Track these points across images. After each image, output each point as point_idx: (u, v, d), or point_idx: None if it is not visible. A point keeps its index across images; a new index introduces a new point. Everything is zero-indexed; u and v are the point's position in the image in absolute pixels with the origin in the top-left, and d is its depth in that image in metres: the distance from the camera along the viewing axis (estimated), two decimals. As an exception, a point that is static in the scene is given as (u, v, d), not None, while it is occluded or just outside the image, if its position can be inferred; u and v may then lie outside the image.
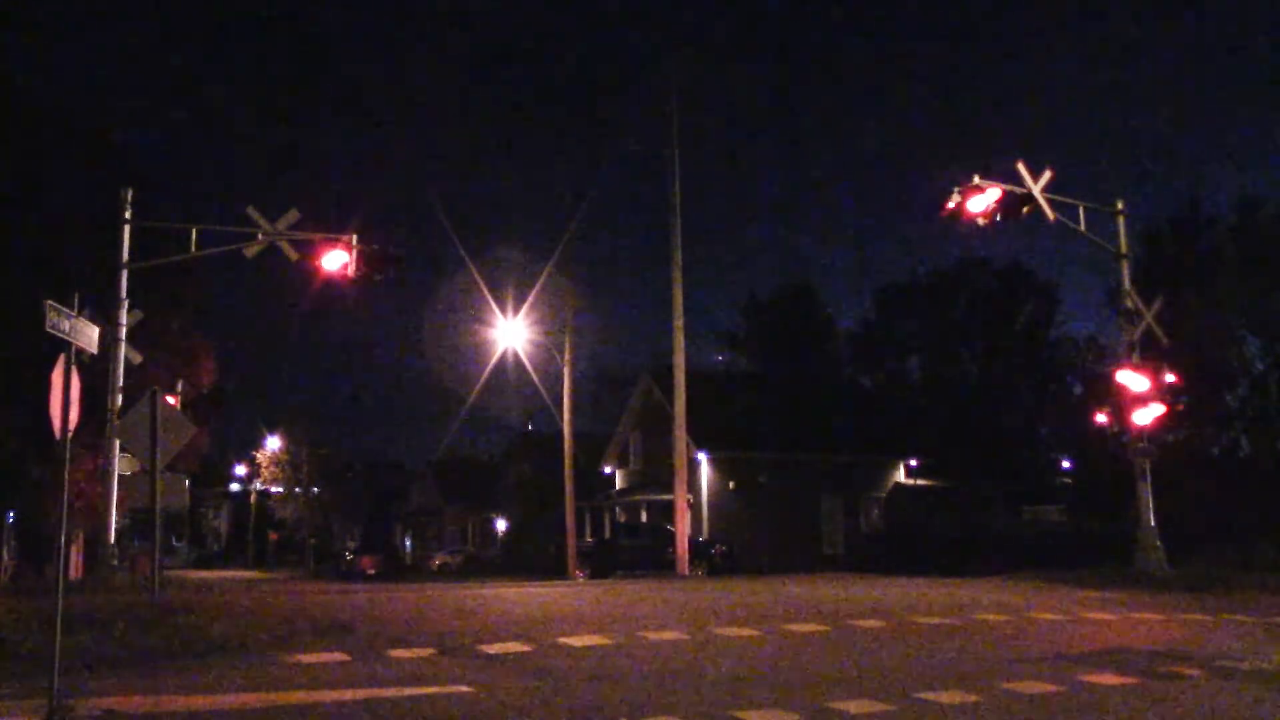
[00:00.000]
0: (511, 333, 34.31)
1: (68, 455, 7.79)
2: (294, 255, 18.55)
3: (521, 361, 35.33)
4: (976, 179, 18.21)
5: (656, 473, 39.07)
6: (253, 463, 68.82)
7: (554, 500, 37.03)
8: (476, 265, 44.06)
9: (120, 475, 16.67)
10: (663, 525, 34.38)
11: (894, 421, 45.20)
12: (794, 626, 11.64)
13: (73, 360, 7.88)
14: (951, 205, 18.25)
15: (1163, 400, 19.08)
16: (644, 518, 40.92)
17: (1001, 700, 7.36)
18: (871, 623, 12.00)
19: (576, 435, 35.63)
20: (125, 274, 17.95)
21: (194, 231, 18.64)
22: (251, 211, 18.44)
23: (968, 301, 53.28)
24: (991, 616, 12.71)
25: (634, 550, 33.04)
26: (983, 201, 18.20)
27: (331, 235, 18.63)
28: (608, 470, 46.05)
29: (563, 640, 10.41)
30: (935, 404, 51.49)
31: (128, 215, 18.09)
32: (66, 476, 7.70)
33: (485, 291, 33.90)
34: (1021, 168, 18.93)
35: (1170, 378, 19.17)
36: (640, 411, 43.89)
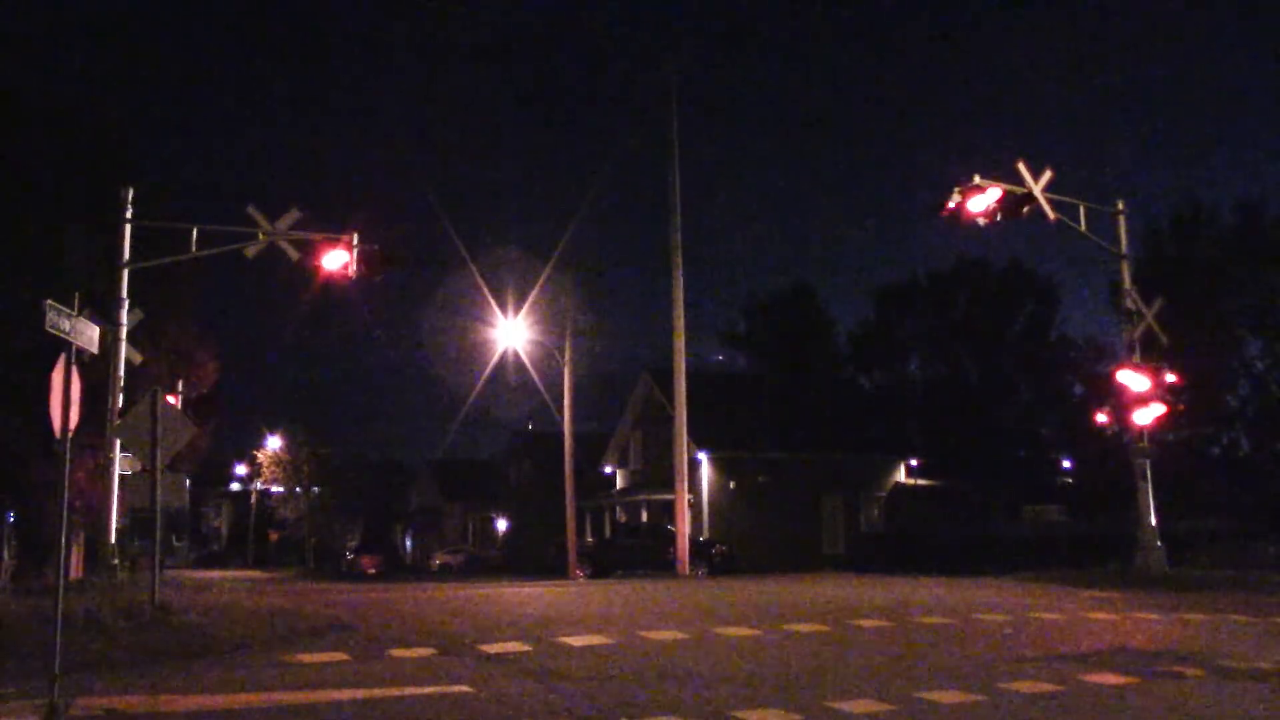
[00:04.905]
0: (512, 333, 34.33)
1: (68, 455, 7.78)
2: (294, 255, 18.54)
3: (522, 361, 35.36)
4: (976, 179, 18.19)
5: (656, 473, 39.08)
6: (253, 463, 68.83)
7: (554, 500, 37.03)
8: (477, 265, 43.97)
9: (121, 475, 16.66)
10: (663, 525, 34.38)
11: (894, 421, 45.17)
12: (794, 626, 11.64)
13: (73, 360, 7.88)
14: (951, 205, 18.23)
15: (1163, 400, 19.07)
16: (644, 518, 40.91)
17: (1001, 700, 7.36)
18: (872, 623, 11.99)
19: (576, 435, 35.64)
20: (125, 274, 17.94)
21: (194, 231, 18.62)
22: (252, 211, 18.42)
23: (968, 301, 53.22)
24: (991, 616, 12.71)
25: (634, 550, 33.03)
26: (983, 201, 18.19)
27: (332, 235, 18.62)
28: (608, 470, 46.04)
29: (563, 640, 10.41)
30: (935, 404, 51.44)
31: (128, 215, 18.08)
32: (66, 476, 7.70)
33: (486, 291, 33.92)
34: (1022, 168, 18.92)
35: (1170, 378, 19.16)
36: (640, 411, 43.88)
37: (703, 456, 37.37)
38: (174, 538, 69.35)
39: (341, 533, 69.25)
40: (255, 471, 68.96)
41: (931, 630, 11.56)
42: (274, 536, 72.95)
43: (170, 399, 17.34)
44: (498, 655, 9.59)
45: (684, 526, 27.14)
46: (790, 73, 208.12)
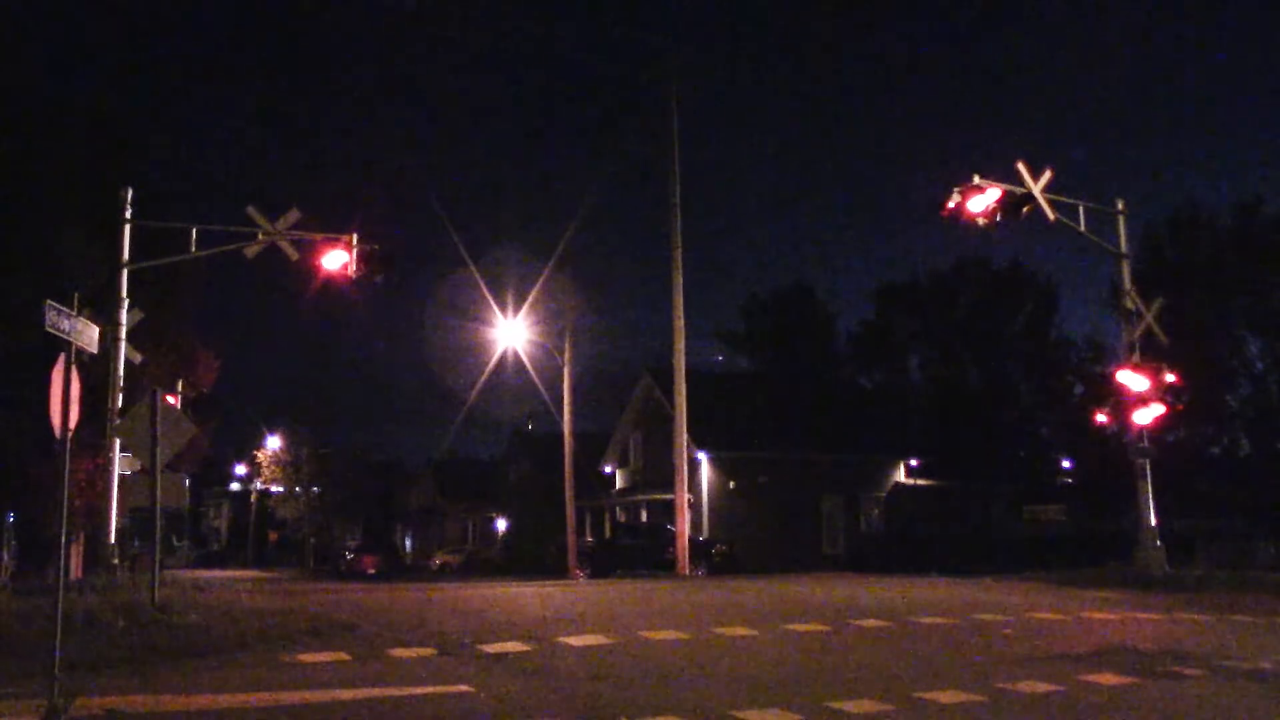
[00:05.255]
0: (511, 333, 34.33)
1: (68, 455, 7.78)
2: (294, 255, 18.54)
3: (521, 361, 35.38)
4: (976, 179, 18.18)
5: (656, 472, 39.08)
6: (253, 462, 68.81)
7: (554, 500, 37.03)
8: (477, 265, 43.99)
9: (121, 475, 16.66)
10: (663, 525, 34.38)
11: (894, 421, 45.20)
12: (794, 626, 11.64)
13: (73, 360, 7.88)
14: (951, 205, 18.21)
15: (1163, 400, 19.06)
16: (644, 517, 40.92)
17: (1001, 700, 7.36)
18: (871, 623, 11.99)
19: (576, 435, 35.63)
20: (125, 274, 17.94)
21: (194, 231, 18.63)
22: (251, 211, 18.41)
23: (968, 301, 53.29)
24: (991, 616, 12.71)
25: (634, 550, 33.04)
26: (983, 201, 18.16)
27: (332, 235, 18.62)
28: (608, 470, 46.05)
29: (563, 640, 10.41)
30: (935, 404, 51.46)
31: (128, 215, 18.08)
32: (66, 476, 7.69)
33: (485, 291, 33.94)
34: (1021, 168, 18.90)
35: (1170, 378, 19.15)
36: (640, 411, 43.89)
37: (703, 456, 37.37)
38: (174, 538, 69.39)
39: (341, 533, 69.28)
40: (255, 471, 68.94)
41: (931, 630, 11.57)
42: (274, 536, 72.91)
43: (170, 399, 17.33)
44: (498, 655, 9.59)
45: (684, 526, 27.13)
46: (791, 72, 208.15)
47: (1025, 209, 18.84)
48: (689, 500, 28.41)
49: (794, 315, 58.05)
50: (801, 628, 11.56)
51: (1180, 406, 22.54)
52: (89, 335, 8.20)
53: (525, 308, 33.61)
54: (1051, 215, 19.20)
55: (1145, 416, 18.97)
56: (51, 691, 6.79)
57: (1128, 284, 20.75)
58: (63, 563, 8.06)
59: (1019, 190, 18.74)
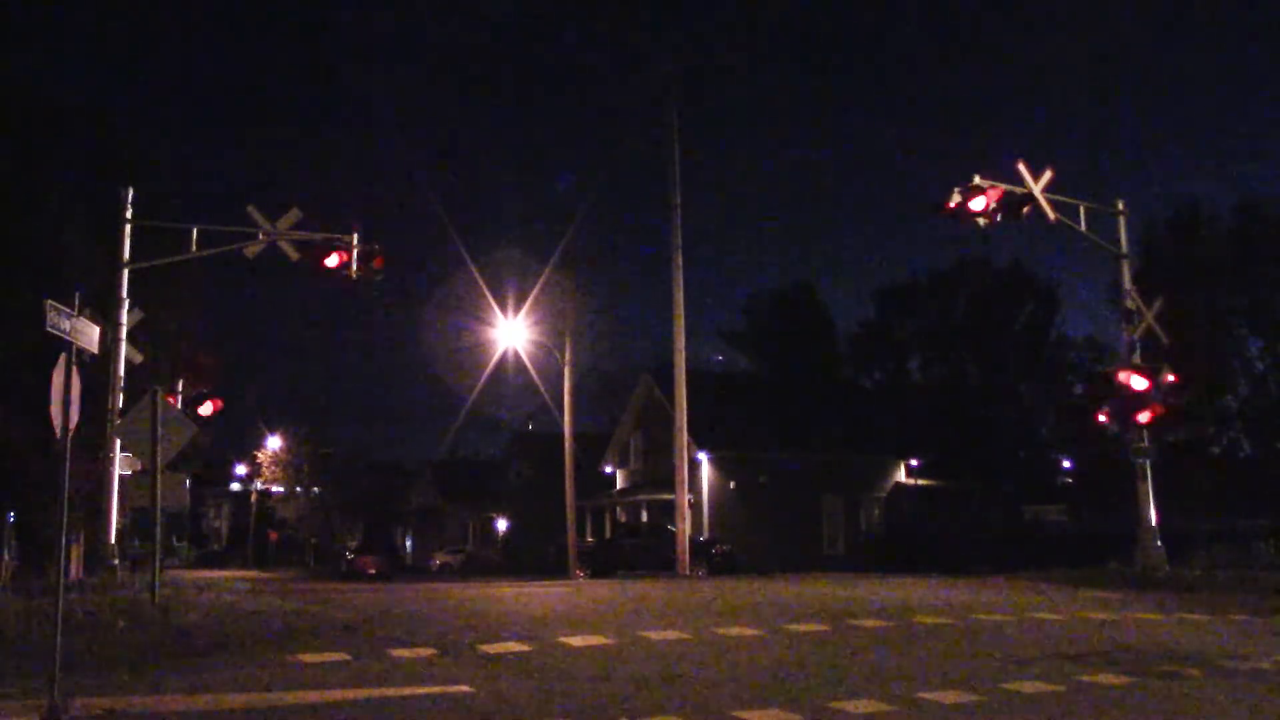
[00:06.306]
0: (511, 333, 34.34)
1: (68, 455, 7.79)
2: (294, 255, 18.57)
3: (522, 361, 35.40)
4: (976, 179, 18.20)
5: (657, 473, 39.10)
6: (253, 462, 68.82)
7: (554, 500, 37.03)
8: (477, 265, 43.96)
9: (121, 475, 16.66)
10: (663, 525, 34.39)
11: (894, 421, 45.22)
12: (794, 626, 11.64)
13: (73, 360, 7.88)
14: (951, 205, 18.24)
15: (1163, 400, 19.05)
16: (644, 518, 40.92)
17: (1001, 700, 7.37)
18: (871, 623, 11.99)
19: (576, 435, 35.62)
20: (125, 274, 17.95)
21: (194, 231, 18.64)
22: (252, 211, 18.44)
23: (968, 302, 53.28)
24: (991, 616, 12.71)
25: (634, 550, 33.05)
26: (983, 201, 18.19)
27: (332, 235, 18.64)
28: (608, 470, 46.05)
29: (563, 640, 10.41)
30: (935, 404, 51.48)
31: (128, 215, 18.09)
32: (66, 476, 7.70)
33: (486, 291, 33.96)
34: (1022, 168, 18.92)
35: (1170, 378, 19.15)
36: (640, 411, 43.89)
37: (703, 456, 37.38)
38: (174, 538, 69.37)
39: (342, 533, 69.26)
40: (255, 471, 68.95)
41: (931, 630, 11.57)
42: (274, 536, 72.90)
43: (170, 399, 17.34)
44: (498, 655, 9.59)
45: (684, 526, 27.14)
46: (791, 72, 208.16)
47: (1025, 209, 18.86)
48: (689, 500, 28.42)
49: (794, 315, 58.03)
50: (801, 628, 11.56)
51: (1180, 406, 22.44)
52: (89, 335, 8.21)
53: (525, 308, 33.64)
54: (1051, 215, 19.21)
55: (1145, 416, 18.96)
56: (51, 691, 6.79)
57: (1128, 284, 20.75)
58: (63, 563, 8.06)
59: (1019, 190, 18.76)
